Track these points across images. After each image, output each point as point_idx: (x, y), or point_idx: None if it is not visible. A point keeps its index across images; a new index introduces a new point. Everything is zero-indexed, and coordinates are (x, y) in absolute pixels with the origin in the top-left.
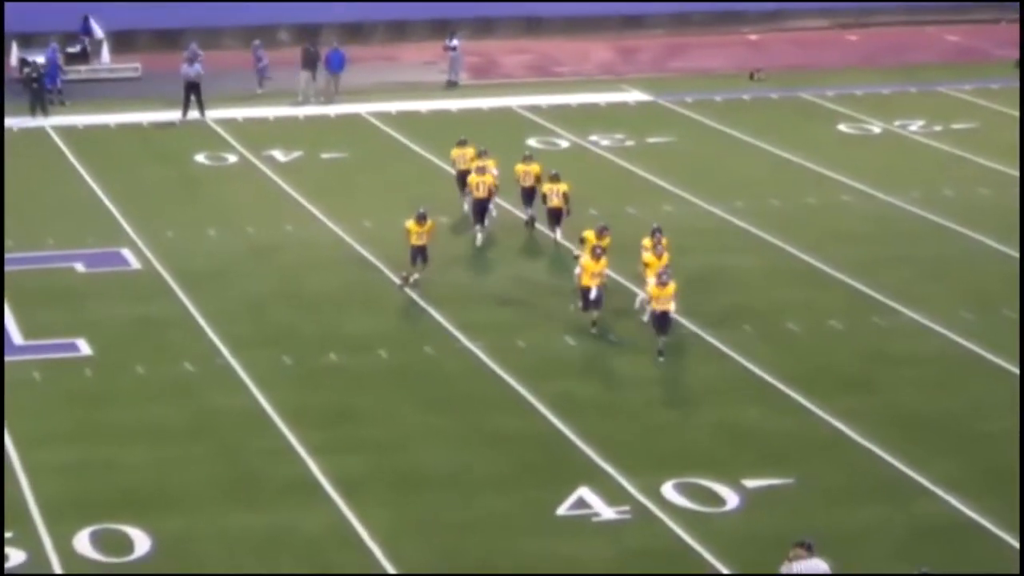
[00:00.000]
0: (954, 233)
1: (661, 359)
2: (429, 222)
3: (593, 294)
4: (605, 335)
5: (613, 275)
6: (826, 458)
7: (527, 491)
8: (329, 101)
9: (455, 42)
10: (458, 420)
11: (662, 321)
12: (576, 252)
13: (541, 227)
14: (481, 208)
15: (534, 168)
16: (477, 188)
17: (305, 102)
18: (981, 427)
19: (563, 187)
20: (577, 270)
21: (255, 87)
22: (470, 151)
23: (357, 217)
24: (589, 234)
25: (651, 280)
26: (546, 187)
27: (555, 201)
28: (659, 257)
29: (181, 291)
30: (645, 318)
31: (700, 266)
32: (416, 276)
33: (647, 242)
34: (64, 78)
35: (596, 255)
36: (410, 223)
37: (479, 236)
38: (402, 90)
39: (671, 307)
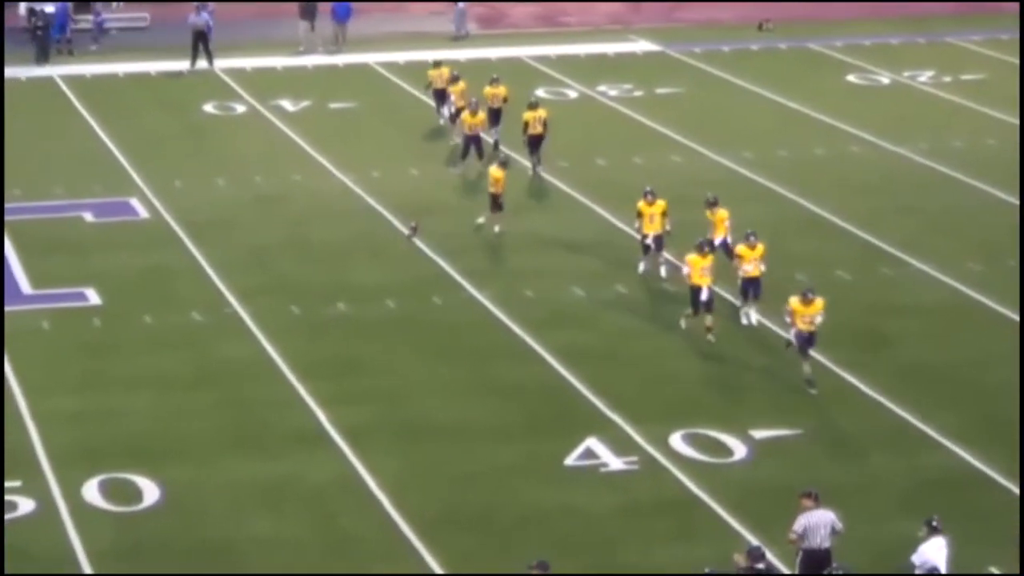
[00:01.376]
0: (962, 184)
1: (813, 391)
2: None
3: (704, 295)
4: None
5: (615, 222)
6: (833, 409)
7: (534, 441)
8: (337, 51)
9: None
10: (465, 370)
11: (807, 343)
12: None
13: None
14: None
15: (501, 91)
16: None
17: (307, 52)
18: (987, 377)
19: (542, 113)
20: (685, 269)
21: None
22: (445, 71)
23: (365, 167)
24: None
25: (793, 299)
26: (526, 115)
27: (537, 128)
28: (752, 247)
29: (189, 240)
30: (683, 324)
31: (707, 217)
32: (480, 220)
33: (713, 211)
34: (74, 27)
35: (703, 250)
36: (494, 169)
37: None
38: (410, 40)
39: (817, 322)
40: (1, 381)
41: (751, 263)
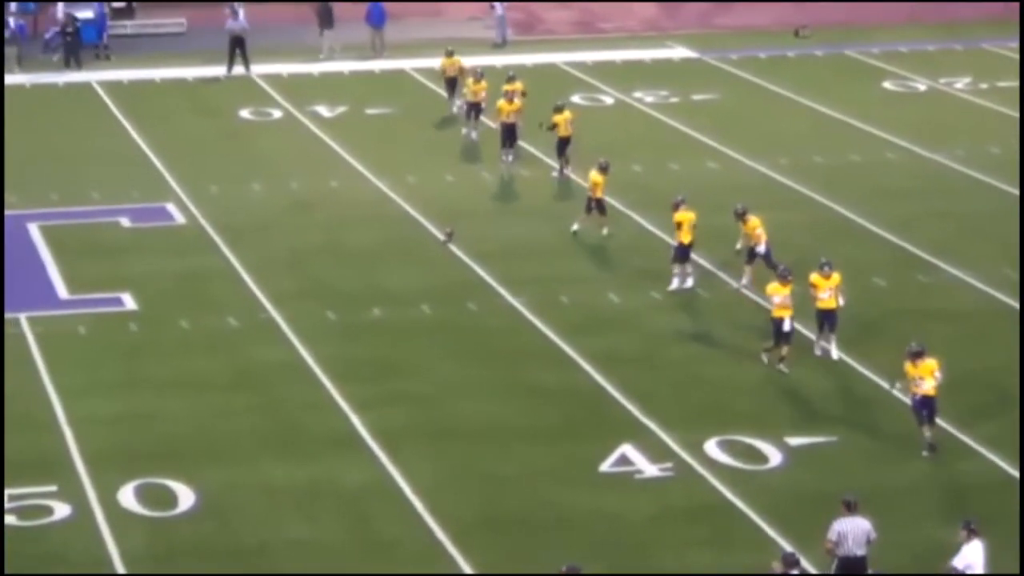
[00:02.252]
0: (998, 190)
1: (926, 453)
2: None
3: (786, 326)
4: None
5: (650, 228)
6: (868, 416)
7: (569, 446)
8: (375, 56)
9: (500, 6)
10: (500, 375)
11: (927, 406)
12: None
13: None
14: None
15: (518, 86)
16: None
17: (327, 59)
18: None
19: (569, 115)
20: (777, 299)
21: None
22: (457, 61)
23: (401, 172)
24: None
25: (813, 275)
26: (556, 118)
27: (567, 131)
28: (826, 277)
29: (225, 245)
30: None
31: (740, 228)
32: (576, 227)
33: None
34: (110, 32)
35: (785, 277)
36: (594, 174)
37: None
38: (447, 46)
39: (933, 383)
40: (1, 385)
41: (826, 292)
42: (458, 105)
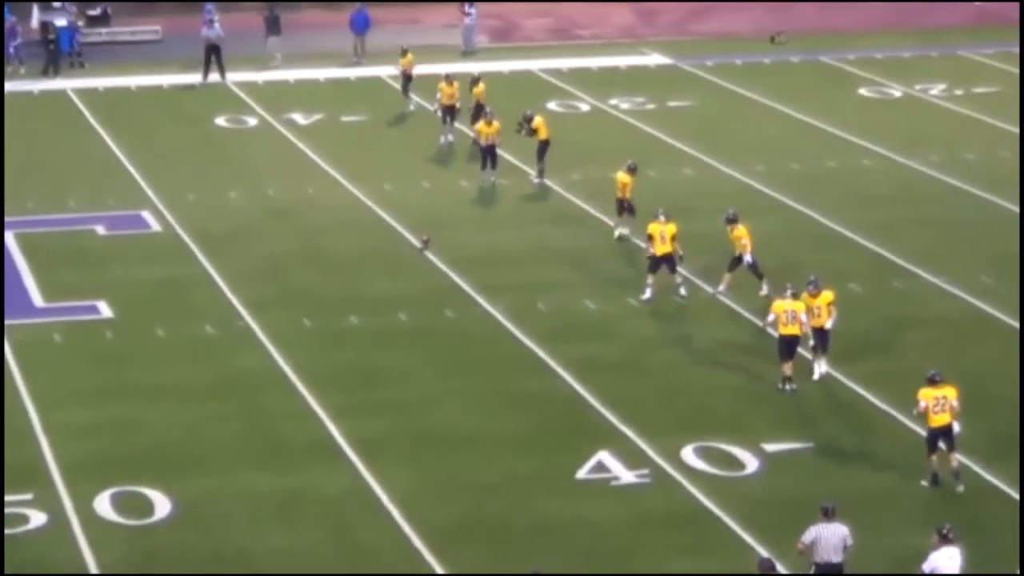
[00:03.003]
0: (975, 197)
1: (961, 488)
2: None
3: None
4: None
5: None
6: (845, 422)
7: (547, 454)
8: (357, 63)
9: (472, 9)
10: (478, 382)
11: (945, 437)
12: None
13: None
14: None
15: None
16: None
17: (277, 67)
18: (1000, 391)
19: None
20: (771, 317)
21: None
22: (412, 59)
23: (377, 180)
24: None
25: (922, 404)
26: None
27: (545, 134)
28: (814, 295)
29: (202, 253)
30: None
31: (719, 230)
32: (625, 231)
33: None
34: (83, 40)
35: (799, 295)
36: (621, 175)
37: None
38: (424, 53)
39: (953, 416)
40: (1, 393)
41: (815, 310)
42: (433, 109)
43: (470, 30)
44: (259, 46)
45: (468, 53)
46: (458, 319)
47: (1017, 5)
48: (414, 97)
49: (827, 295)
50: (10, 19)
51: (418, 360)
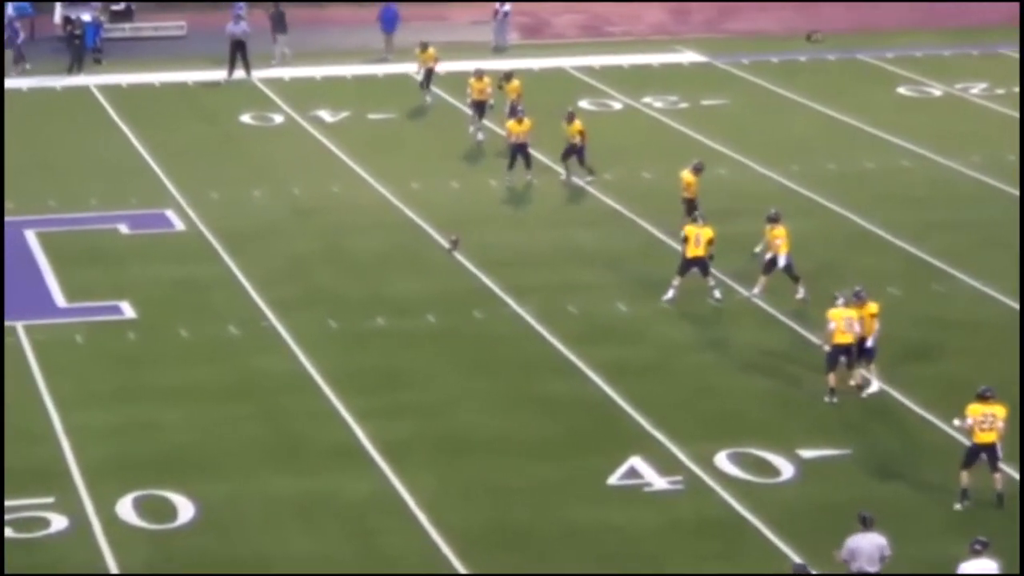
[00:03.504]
0: (1015, 198)
1: (959, 506)
2: (696, 177)
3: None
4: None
5: (659, 235)
6: (882, 427)
7: (577, 458)
8: (383, 60)
9: (507, 7)
10: (506, 385)
11: (989, 455)
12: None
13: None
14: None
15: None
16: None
17: (280, 64)
18: None
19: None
20: (831, 325)
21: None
22: (433, 54)
23: (405, 179)
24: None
25: (968, 420)
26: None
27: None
28: (858, 306)
29: (225, 253)
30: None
31: (754, 231)
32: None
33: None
34: (105, 36)
35: (851, 302)
36: (686, 174)
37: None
38: (451, 50)
39: (998, 436)
40: (1, 395)
41: (859, 321)
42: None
43: (503, 26)
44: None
45: (500, 49)
46: (486, 321)
47: None
48: (435, 90)
49: (871, 306)
50: (10, 15)
51: (445, 362)
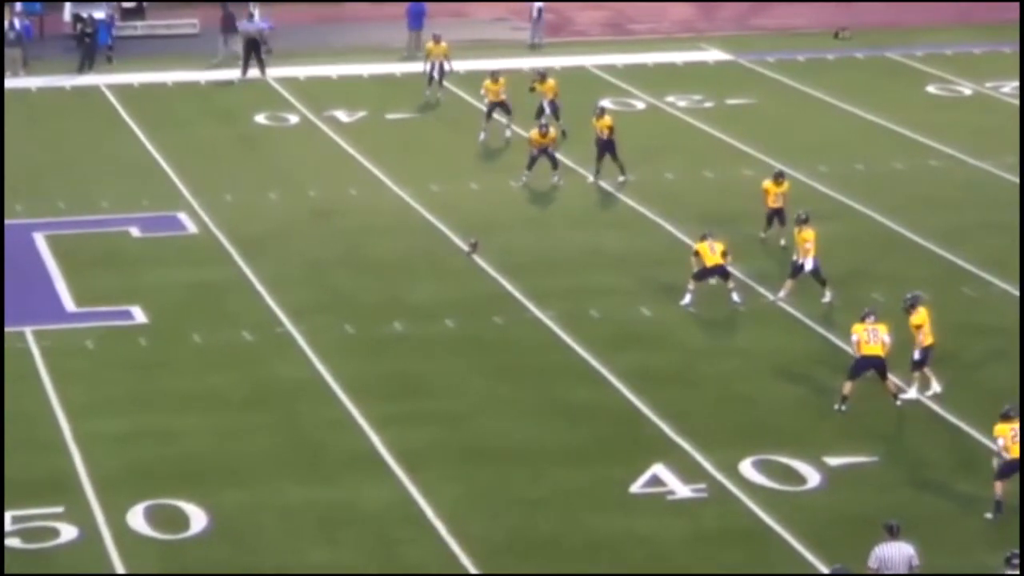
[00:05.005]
0: None
1: (990, 516)
2: (786, 182)
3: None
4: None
5: (683, 238)
6: (911, 434)
7: (599, 467)
8: (410, 58)
9: (540, 4)
10: (528, 392)
11: (1010, 470)
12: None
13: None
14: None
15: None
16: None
17: (221, 66)
18: None
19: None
20: (854, 337)
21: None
22: (444, 47)
23: (423, 181)
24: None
25: (1000, 441)
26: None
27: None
28: (908, 313)
29: (239, 256)
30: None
31: (777, 234)
32: (764, 236)
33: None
34: (117, 34)
35: (867, 319)
36: (767, 183)
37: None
38: (471, 48)
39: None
40: (1, 401)
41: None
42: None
43: (539, 23)
44: (302, 41)
45: (536, 46)
46: (507, 326)
47: None
48: (452, 88)
49: (917, 314)
50: (109, 12)
51: (465, 369)
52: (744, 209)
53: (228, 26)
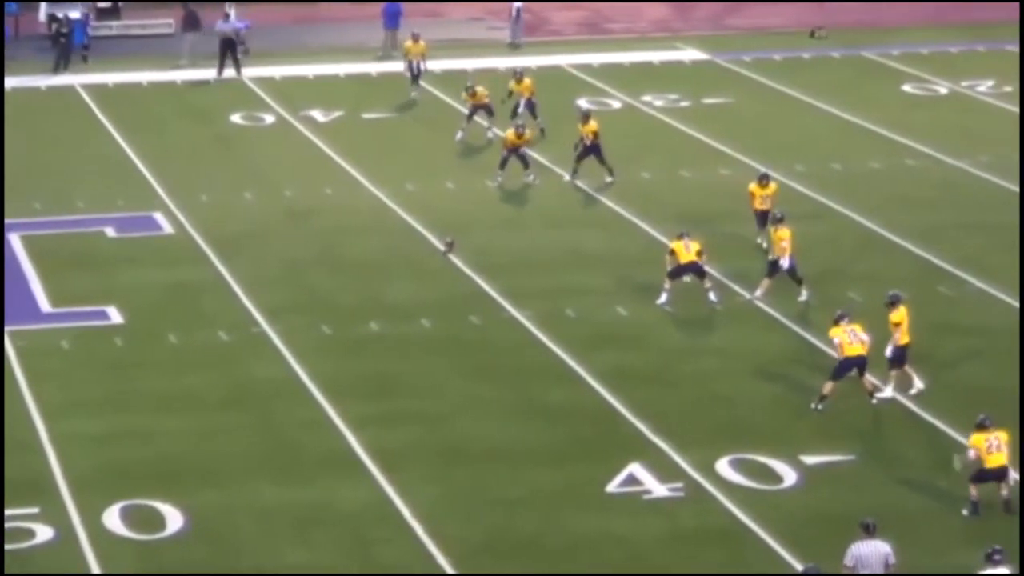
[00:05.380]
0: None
1: (966, 512)
2: (772, 184)
3: (860, 363)
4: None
5: (660, 238)
6: (888, 433)
7: (576, 466)
8: (386, 58)
9: (518, 4)
10: (504, 392)
11: (999, 478)
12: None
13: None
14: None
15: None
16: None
17: (189, 66)
18: None
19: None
20: (836, 340)
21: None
22: (423, 46)
23: (400, 180)
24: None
25: (971, 452)
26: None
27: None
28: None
29: (215, 257)
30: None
31: (755, 233)
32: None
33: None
34: (92, 34)
35: (840, 321)
36: (753, 186)
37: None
38: (447, 48)
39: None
40: (1, 401)
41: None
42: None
43: (517, 23)
44: (279, 41)
45: (516, 46)
46: (483, 326)
47: None
48: (428, 87)
49: (897, 311)
50: (85, 12)
51: (441, 369)
52: (721, 208)
53: (190, 25)
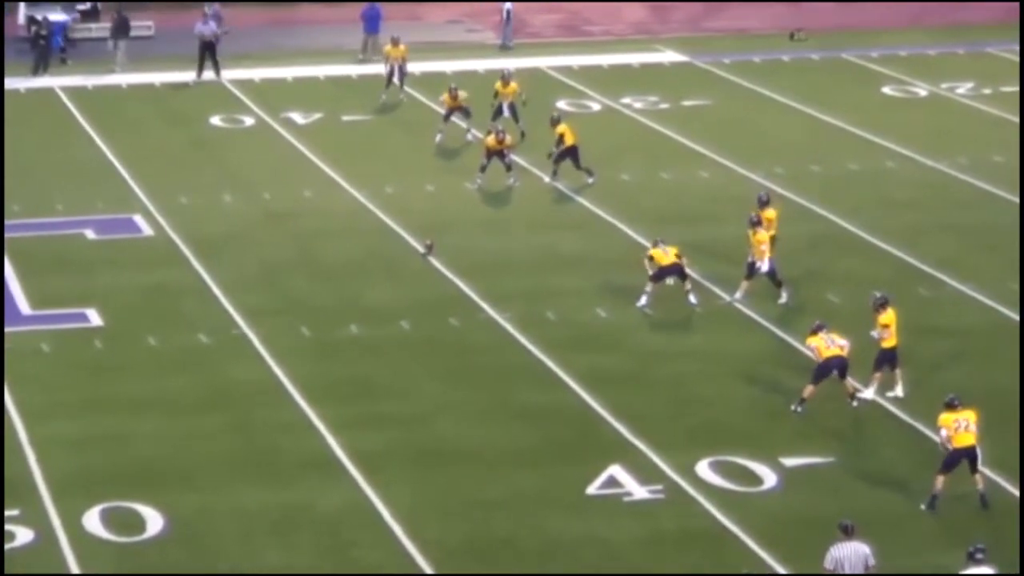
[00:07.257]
0: (1003, 201)
1: (986, 507)
2: (771, 210)
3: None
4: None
5: (639, 240)
6: (868, 435)
7: (556, 468)
8: (365, 61)
9: (509, 5)
10: (484, 394)
11: (969, 459)
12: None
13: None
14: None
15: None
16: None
17: (123, 70)
18: None
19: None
20: (812, 345)
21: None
22: (403, 50)
23: (379, 182)
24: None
25: (943, 432)
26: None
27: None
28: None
29: (195, 259)
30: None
31: (737, 235)
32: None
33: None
34: (71, 36)
35: (819, 330)
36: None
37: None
38: (426, 50)
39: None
40: (1, 407)
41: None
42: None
43: (508, 24)
44: (256, 43)
45: (506, 48)
46: (463, 328)
47: None
48: (408, 91)
49: (886, 314)
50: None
51: (421, 371)
52: (701, 210)
53: (120, 30)
